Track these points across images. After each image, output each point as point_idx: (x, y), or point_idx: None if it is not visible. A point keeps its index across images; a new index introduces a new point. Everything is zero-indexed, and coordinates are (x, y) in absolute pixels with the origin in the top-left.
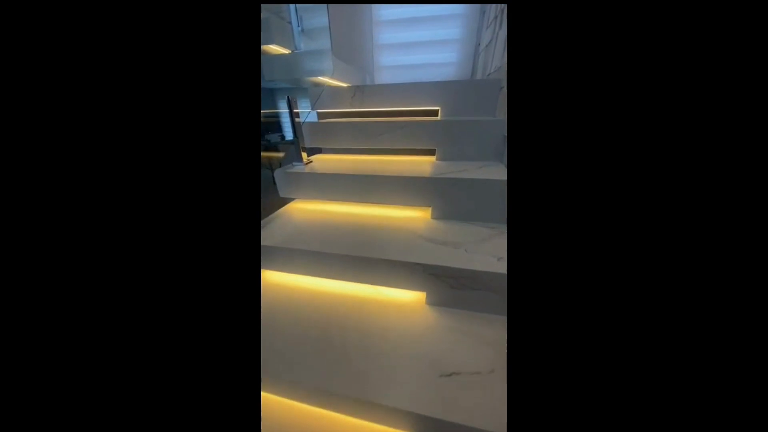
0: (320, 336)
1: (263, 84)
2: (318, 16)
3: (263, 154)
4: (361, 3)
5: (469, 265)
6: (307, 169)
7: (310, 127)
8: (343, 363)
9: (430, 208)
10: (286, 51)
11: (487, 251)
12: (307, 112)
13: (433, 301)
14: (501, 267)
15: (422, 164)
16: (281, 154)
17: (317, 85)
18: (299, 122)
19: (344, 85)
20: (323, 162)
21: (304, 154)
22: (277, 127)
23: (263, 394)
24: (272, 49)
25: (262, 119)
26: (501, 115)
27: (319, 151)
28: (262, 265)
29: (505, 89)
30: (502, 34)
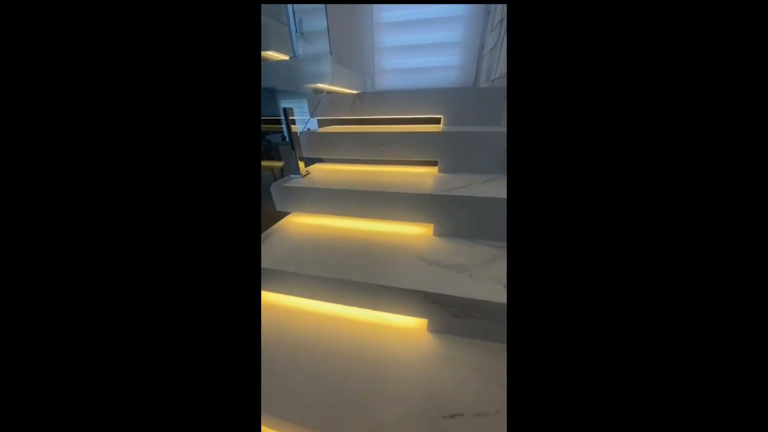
0: (315, 365)
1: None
2: (317, 18)
3: (264, 163)
4: (362, 3)
5: (473, 292)
6: (304, 180)
7: (308, 137)
8: (337, 396)
9: (432, 225)
10: (284, 57)
11: (492, 276)
12: (306, 121)
13: (436, 328)
14: (506, 295)
15: (424, 176)
16: (280, 163)
17: (317, 91)
18: (296, 133)
19: (344, 90)
20: (321, 173)
21: (301, 164)
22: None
23: None
24: (270, 55)
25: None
26: (506, 124)
27: (318, 159)
28: None
29: None
30: None
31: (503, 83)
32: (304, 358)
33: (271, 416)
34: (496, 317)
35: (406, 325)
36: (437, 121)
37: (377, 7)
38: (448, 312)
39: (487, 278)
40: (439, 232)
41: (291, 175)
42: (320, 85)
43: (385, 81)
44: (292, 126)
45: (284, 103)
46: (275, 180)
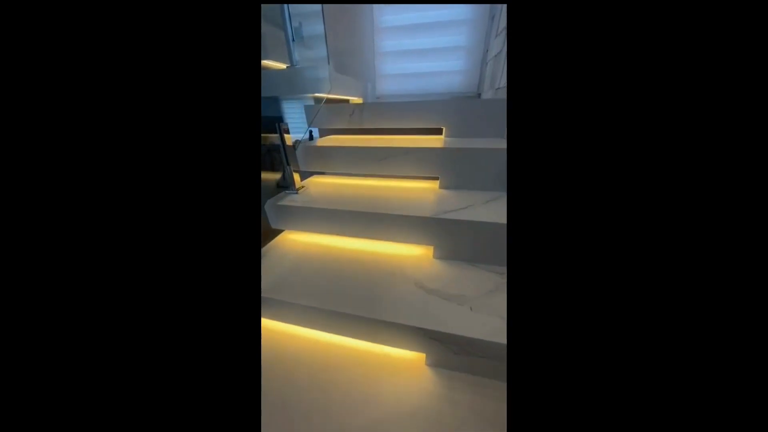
0: (308, 397)
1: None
2: (317, 23)
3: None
4: (361, 3)
5: (473, 330)
6: (299, 197)
7: (305, 150)
8: None
9: (432, 247)
10: (280, 65)
11: (495, 308)
12: (303, 132)
13: (434, 363)
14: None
15: (425, 193)
16: (277, 175)
17: (317, 100)
18: (291, 146)
19: (343, 98)
20: (318, 187)
21: (296, 177)
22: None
23: None
24: (265, 64)
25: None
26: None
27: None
28: None
29: None
30: None
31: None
32: (292, 388)
33: None
34: (498, 356)
35: (405, 357)
36: (439, 131)
37: (378, 11)
38: (448, 349)
39: (489, 312)
40: (439, 255)
41: (286, 191)
42: (318, 95)
43: (387, 86)
44: (286, 137)
45: (278, 115)
46: (271, 194)
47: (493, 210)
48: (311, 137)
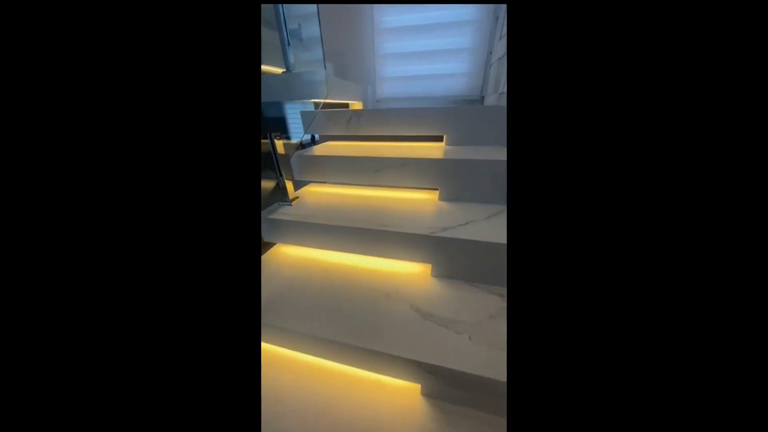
0: (292, 424)
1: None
2: (314, 25)
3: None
4: (362, 3)
5: (471, 363)
6: (293, 210)
7: (300, 160)
8: None
9: (431, 265)
10: (276, 70)
11: (495, 337)
12: (300, 137)
13: (430, 394)
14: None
15: (424, 205)
16: (272, 184)
17: (316, 105)
18: (286, 155)
19: (343, 102)
20: (313, 198)
21: (290, 187)
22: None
23: None
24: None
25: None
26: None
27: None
28: None
29: None
30: None
31: None
32: (281, 410)
33: None
34: (497, 393)
35: (399, 386)
36: (439, 138)
37: (378, 13)
38: (444, 382)
39: (489, 343)
40: (437, 273)
41: (279, 202)
42: (315, 100)
43: (388, 89)
44: (278, 144)
45: (272, 122)
46: (264, 206)
47: (495, 226)
48: (314, 140)
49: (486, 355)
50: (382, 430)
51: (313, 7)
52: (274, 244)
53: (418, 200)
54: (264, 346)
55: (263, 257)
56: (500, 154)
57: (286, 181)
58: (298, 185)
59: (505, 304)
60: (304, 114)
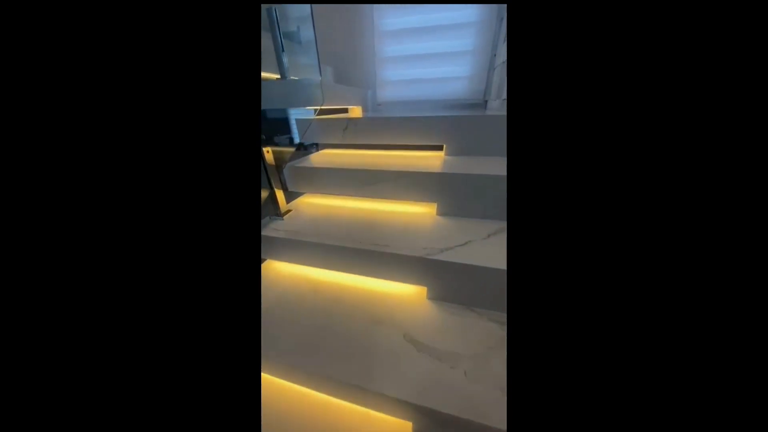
0: None
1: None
2: (311, 28)
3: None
4: (362, 2)
5: (467, 406)
6: (285, 224)
7: (293, 171)
8: None
9: (426, 288)
10: (271, 76)
11: (493, 374)
12: (293, 146)
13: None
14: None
15: (421, 220)
16: (265, 194)
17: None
18: (276, 166)
19: (341, 107)
20: (307, 210)
21: (281, 199)
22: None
23: None
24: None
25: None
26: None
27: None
28: None
29: None
30: None
31: None
32: None
33: None
34: None
35: (390, 420)
36: (439, 147)
37: (378, 15)
38: (437, 422)
39: (485, 381)
40: (433, 296)
41: (271, 216)
42: (311, 107)
43: (388, 93)
44: (266, 155)
45: (265, 131)
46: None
47: (495, 246)
48: (317, 147)
49: (483, 395)
50: None
51: (309, 9)
52: (265, 260)
53: (415, 214)
54: None
55: None
56: (500, 165)
57: (277, 192)
58: (293, 196)
59: (503, 333)
60: (299, 122)
